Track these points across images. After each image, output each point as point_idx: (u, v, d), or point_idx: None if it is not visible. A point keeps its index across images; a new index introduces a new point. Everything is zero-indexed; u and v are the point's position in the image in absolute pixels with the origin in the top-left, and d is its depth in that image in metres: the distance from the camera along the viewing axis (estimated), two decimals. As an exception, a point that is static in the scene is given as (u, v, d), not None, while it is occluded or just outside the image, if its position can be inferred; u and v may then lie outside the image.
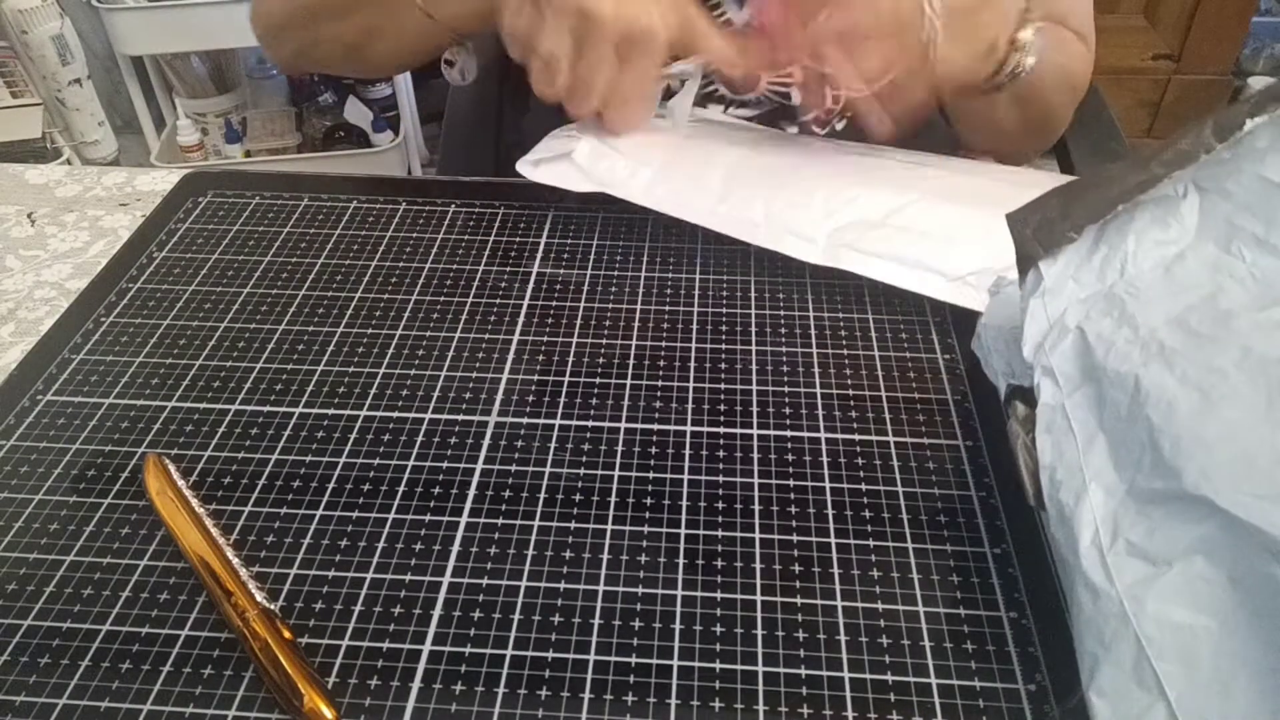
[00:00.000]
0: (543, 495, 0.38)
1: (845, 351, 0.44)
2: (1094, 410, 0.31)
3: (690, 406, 0.42)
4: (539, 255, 0.51)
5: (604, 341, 0.45)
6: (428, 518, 0.37)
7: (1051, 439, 0.32)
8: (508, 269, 0.50)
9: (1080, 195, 0.33)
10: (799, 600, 0.34)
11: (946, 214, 0.49)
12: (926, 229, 0.48)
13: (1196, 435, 0.27)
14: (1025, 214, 0.35)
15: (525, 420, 0.41)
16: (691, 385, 0.43)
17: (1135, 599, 0.27)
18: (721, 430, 0.40)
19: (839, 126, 0.64)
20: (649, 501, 0.37)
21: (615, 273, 0.49)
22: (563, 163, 0.51)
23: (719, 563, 0.35)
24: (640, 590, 0.34)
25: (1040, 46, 0.52)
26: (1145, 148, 0.33)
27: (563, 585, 0.34)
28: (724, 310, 0.47)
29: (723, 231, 0.48)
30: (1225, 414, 0.27)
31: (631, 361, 0.44)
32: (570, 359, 0.44)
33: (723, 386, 0.43)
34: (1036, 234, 0.34)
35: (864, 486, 0.38)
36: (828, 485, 0.38)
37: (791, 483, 0.38)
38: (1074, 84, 0.61)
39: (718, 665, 0.32)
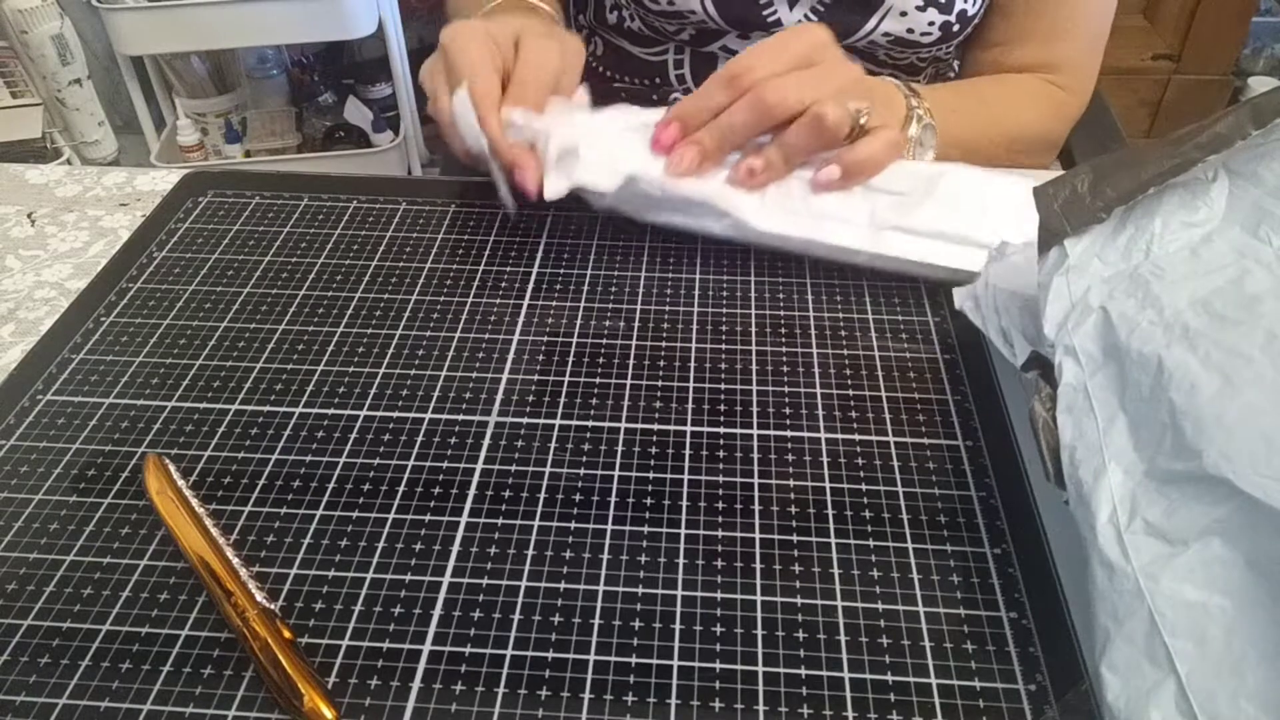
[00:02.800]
0: (543, 495, 0.38)
1: (845, 351, 0.44)
2: (1116, 390, 0.31)
3: (690, 406, 0.42)
4: (539, 255, 0.51)
5: (604, 341, 0.45)
6: (428, 518, 0.37)
7: (1072, 418, 0.32)
8: (508, 269, 0.50)
9: (1111, 174, 0.33)
10: (799, 600, 0.34)
11: (986, 180, 0.47)
12: (969, 197, 0.47)
13: (1218, 417, 0.27)
14: (1054, 188, 0.34)
15: (525, 420, 0.41)
16: (691, 385, 0.43)
17: (1151, 577, 0.27)
18: (721, 430, 0.40)
19: None
20: (649, 501, 0.37)
21: (615, 272, 0.49)
22: (570, 161, 0.49)
23: (719, 563, 0.35)
24: (640, 590, 0.34)
25: (933, 139, 0.53)
26: (1179, 130, 0.32)
27: (563, 585, 0.34)
28: (724, 310, 0.47)
29: (763, 229, 0.47)
30: (1248, 397, 0.27)
31: (631, 361, 0.44)
32: (570, 359, 0.44)
33: (723, 386, 0.43)
34: (1064, 209, 0.34)
35: (864, 486, 0.38)
36: (828, 485, 0.38)
37: (791, 483, 0.38)
38: (1037, 138, 0.61)
39: (718, 665, 0.32)
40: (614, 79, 0.66)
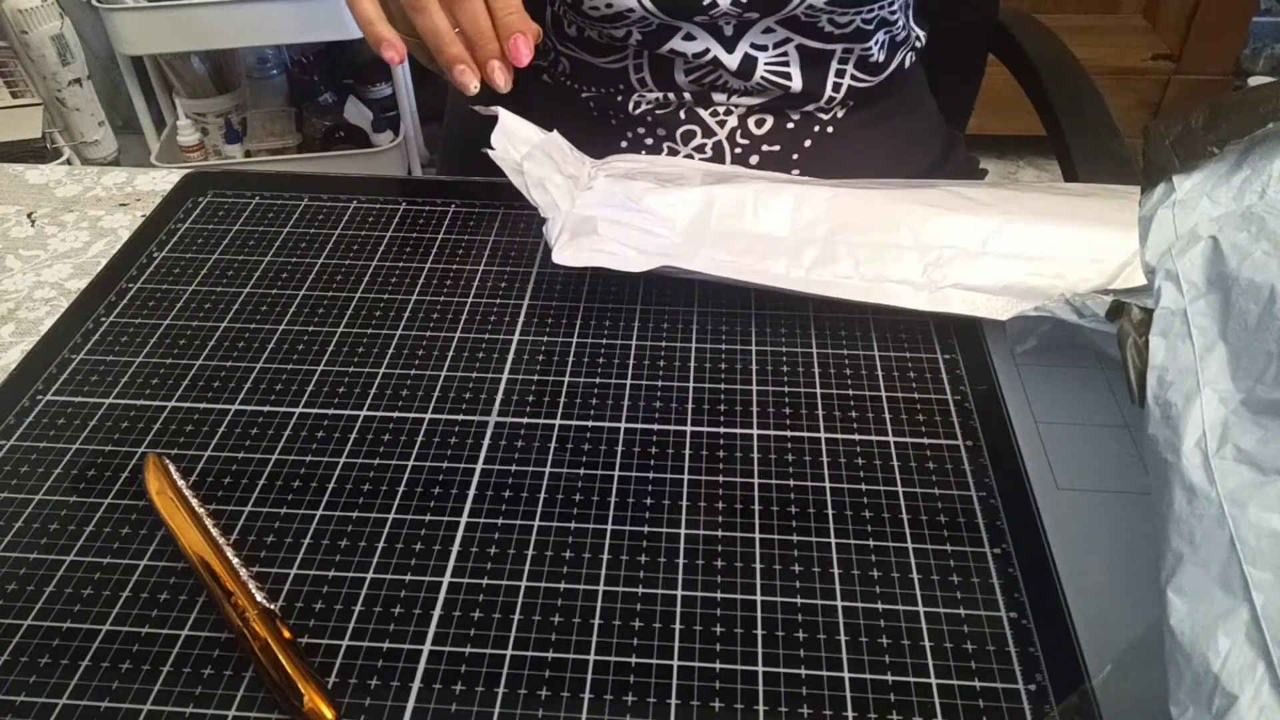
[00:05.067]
0: (543, 495, 0.38)
1: (845, 351, 0.44)
2: (1217, 319, 0.30)
3: (690, 406, 0.42)
4: (539, 255, 0.51)
5: (604, 341, 0.45)
6: (428, 518, 0.37)
7: (1166, 342, 0.31)
8: (508, 269, 0.50)
9: (1229, 109, 0.32)
10: (799, 600, 0.34)
11: (1046, 232, 0.46)
12: (1031, 251, 0.45)
13: None
14: (1165, 125, 0.33)
15: (525, 420, 0.41)
16: (691, 385, 0.43)
17: (1236, 503, 0.26)
18: (721, 430, 0.40)
19: (840, 114, 0.63)
20: (649, 501, 0.37)
21: (615, 272, 0.49)
22: (593, 238, 0.47)
23: (719, 563, 0.35)
24: (640, 590, 0.34)
25: None
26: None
27: (563, 585, 0.34)
28: (724, 310, 0.47)
29: (809, 293, 0.45)
30: None
31: (631, 361, 0.44)
32: (570, 359, 0.44)
33: (723, 386, 0.43)
34: (1175, 145, 0.33)
35: (864, 486, 0.38)
36: (828, 485, 0.38)
37: (791, 483, 0.38)
38: None
39: (718, 665, 0.32)
40: (581, 90, 0.66)
